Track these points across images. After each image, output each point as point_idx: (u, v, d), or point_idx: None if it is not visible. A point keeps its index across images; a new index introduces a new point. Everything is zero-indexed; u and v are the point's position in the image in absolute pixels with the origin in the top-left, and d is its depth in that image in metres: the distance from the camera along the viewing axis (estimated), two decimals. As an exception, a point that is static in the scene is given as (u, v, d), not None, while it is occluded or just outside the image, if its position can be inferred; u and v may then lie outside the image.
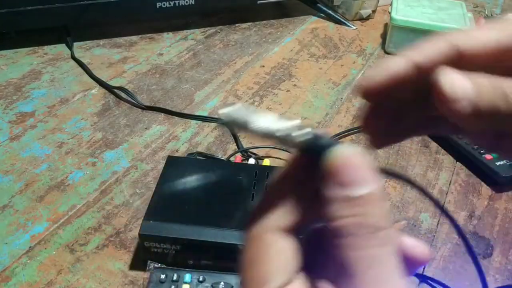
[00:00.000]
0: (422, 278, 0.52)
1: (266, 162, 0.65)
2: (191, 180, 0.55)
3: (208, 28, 1.06)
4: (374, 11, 1.15)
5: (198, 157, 0.66)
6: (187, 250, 0.50)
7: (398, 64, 0.22)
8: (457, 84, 0.21)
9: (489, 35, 0.23)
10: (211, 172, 0.56)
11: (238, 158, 0.67)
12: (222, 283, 0.48)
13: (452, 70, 0.21)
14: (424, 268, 0.54)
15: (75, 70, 0.87)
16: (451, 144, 0.72)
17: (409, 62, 0.22)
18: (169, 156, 0.59)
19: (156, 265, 0.50)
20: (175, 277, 0.48)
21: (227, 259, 0.49)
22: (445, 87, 0.21)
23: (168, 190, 0.53)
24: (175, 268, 0.50)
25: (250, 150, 0.68)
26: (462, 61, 0.23)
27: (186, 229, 0.49)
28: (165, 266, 0.50)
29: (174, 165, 0.57)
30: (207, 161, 0.66)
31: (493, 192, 0.65)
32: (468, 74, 0.21)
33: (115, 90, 0.80)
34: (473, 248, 0.56)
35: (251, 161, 0.65)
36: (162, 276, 0.48)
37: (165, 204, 0.52)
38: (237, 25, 1.09)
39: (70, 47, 0.93)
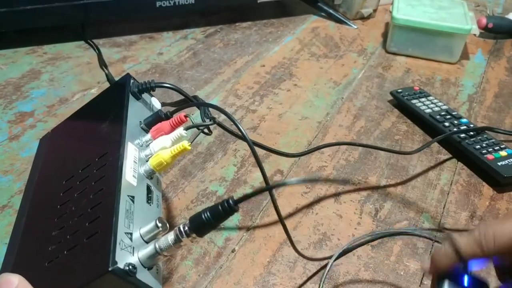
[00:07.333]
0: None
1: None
2: None
3: (208, 27, 1.06)
4: (375, 10, 1.15)
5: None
6: None
7: None
8: None
9: None
10: None
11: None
12: None
13: None
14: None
15: (75, 70, 0.87)
16: (453, 144, 0.72)
17: None
18: None
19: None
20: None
21: None
22: None
23: None
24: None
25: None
26: None
27: None
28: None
29: None
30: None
31: (495, 192, 0.65)
32: None
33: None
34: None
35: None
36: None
37: None
38: (237, 24, 1.08)
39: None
